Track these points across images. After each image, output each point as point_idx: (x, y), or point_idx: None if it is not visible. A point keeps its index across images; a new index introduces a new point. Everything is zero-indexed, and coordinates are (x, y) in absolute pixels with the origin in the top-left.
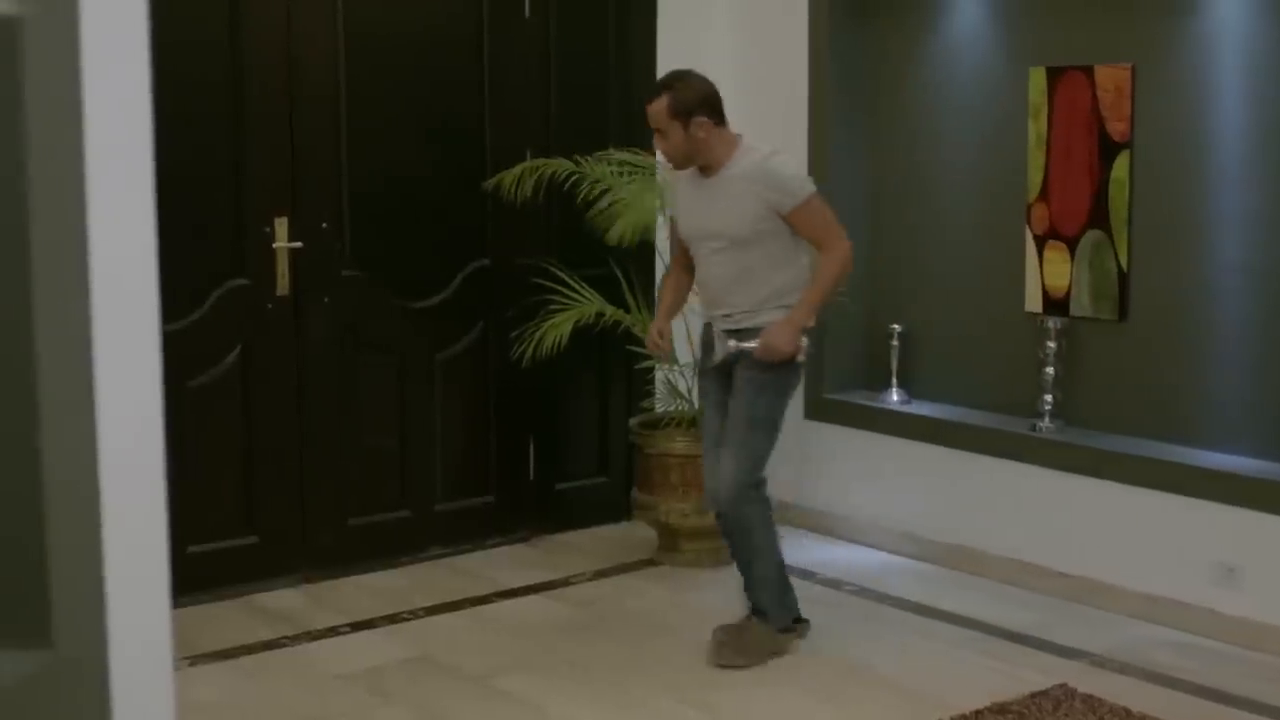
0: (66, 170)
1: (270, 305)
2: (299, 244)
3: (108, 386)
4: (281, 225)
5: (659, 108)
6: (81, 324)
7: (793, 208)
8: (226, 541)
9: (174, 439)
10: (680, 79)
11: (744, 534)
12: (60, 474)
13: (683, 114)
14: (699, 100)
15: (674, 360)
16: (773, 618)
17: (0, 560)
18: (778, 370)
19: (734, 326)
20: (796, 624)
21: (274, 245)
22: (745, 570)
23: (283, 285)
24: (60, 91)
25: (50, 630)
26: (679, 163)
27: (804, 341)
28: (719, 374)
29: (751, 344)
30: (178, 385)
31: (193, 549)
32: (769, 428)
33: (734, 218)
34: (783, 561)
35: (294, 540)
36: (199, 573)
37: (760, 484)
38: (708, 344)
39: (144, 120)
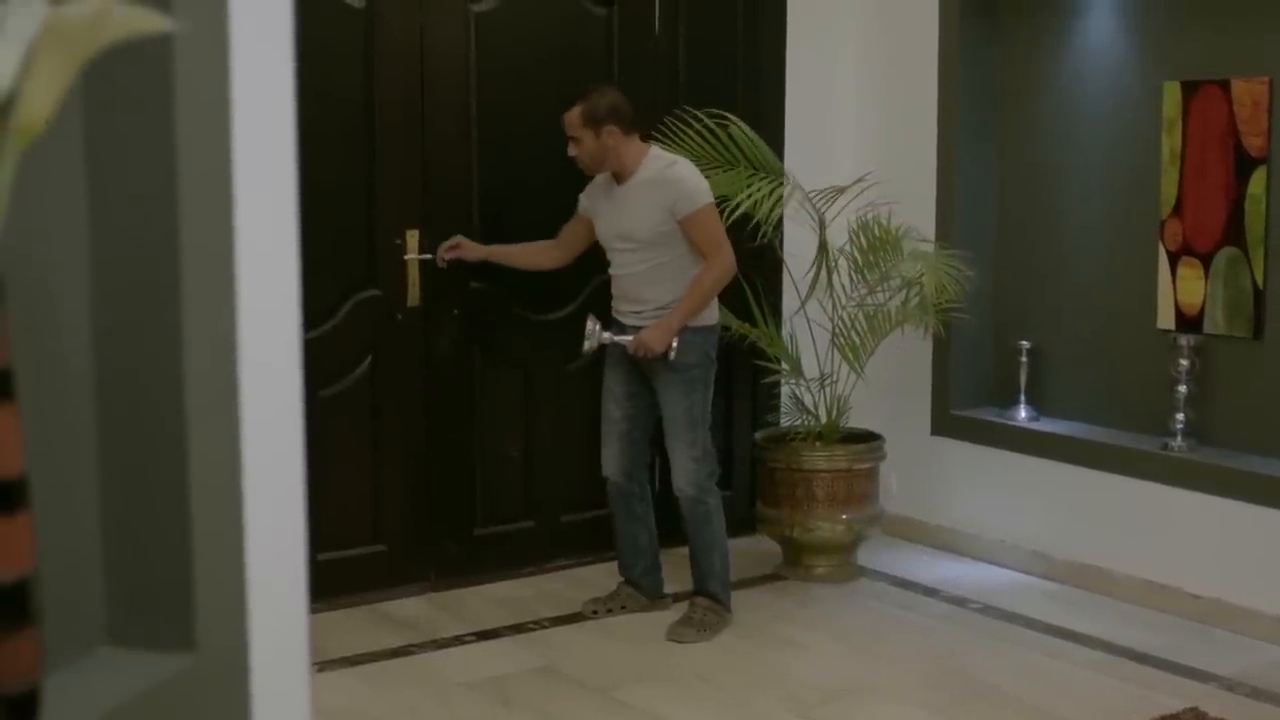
0: (215, 179)
1: (400, 316)
2: (429, 256)
3: (251, 393)
4: (412, 237)
5: (573, 116)
6: (227, 332)
7: (686, 214)
8: (355, 550)
9: (307, 447)
10: (595, 91)
11: (704, 522)
12: (205, 479)
13: (593, 123)
14: (608, 111)
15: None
16: (724, 600)
17: (149, 564)
18: (694, 369)
19: (643, 323)
20: (663, 597)
21: (405, 257)
22: (699, 556)
23: (413, 296)
24: (210, 104)
25: (194, 634)
26: (591, 168)
27: (674, 343)
28: (624, 369)
29: (626, 338)
30: (311, 394)
31: (322, 557)
32: (705, 420)
33: (639, 220)
34: (728, 549)
35: (420, 549)
36: (328, 580)
37: (715, 474)
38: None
39: (288, 133)
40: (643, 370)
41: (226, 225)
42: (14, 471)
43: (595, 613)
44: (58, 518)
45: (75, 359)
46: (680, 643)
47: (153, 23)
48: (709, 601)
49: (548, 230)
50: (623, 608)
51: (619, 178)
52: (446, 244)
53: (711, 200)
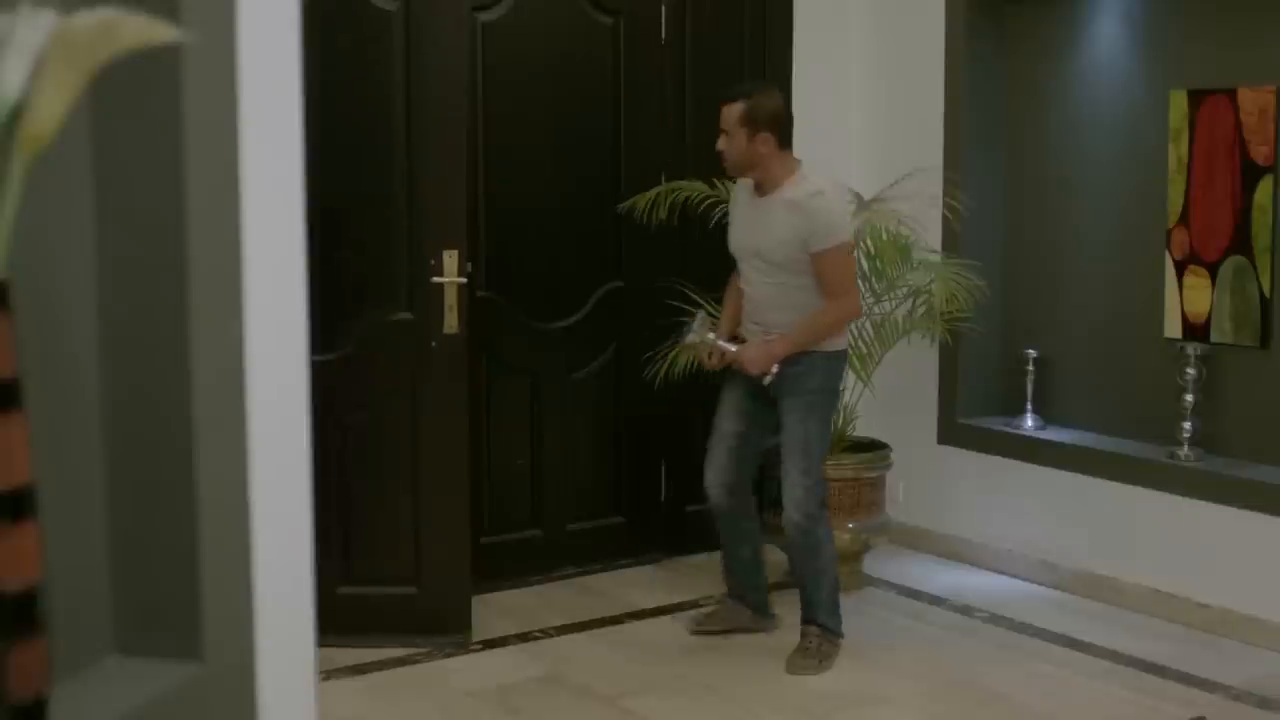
0: (223, 188)
1: (435, 343)
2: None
3: (259, 406)
4: (450, 258)
5: (733, 111)
6: (235, 342)
7: (819, 249)
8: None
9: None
10: (760, 92)
11: (813, 552)
12: (213, 489)
13: (751, 125)
14: (769, 117)
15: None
16: (835, 628)
17: (156, 574)
18: (816, 394)
19: None
20: (770, 616)
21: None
22: (806, 584)
23: (450, 323)
24: (218, 114)
25: (202, 643)
26: (734, 168)
27: (774, 369)
28: (744, 386)
29: (729, 346)
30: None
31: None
32: (823, 448)
33: (772, 241)
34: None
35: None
36: (354, 613)
37: (825, 503)
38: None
39: (295, 141)
40: (766, 391)
41: (234, 234)
42: (21, 481)
43: (704, 631)
44: (66, 528)
45: (82, 369)
46: (801, 675)
47: (161, 33)
48: (820, 630)
49: (552, 239)
50: (731, 626)
51: (760, 189)
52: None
53: (849, 240)
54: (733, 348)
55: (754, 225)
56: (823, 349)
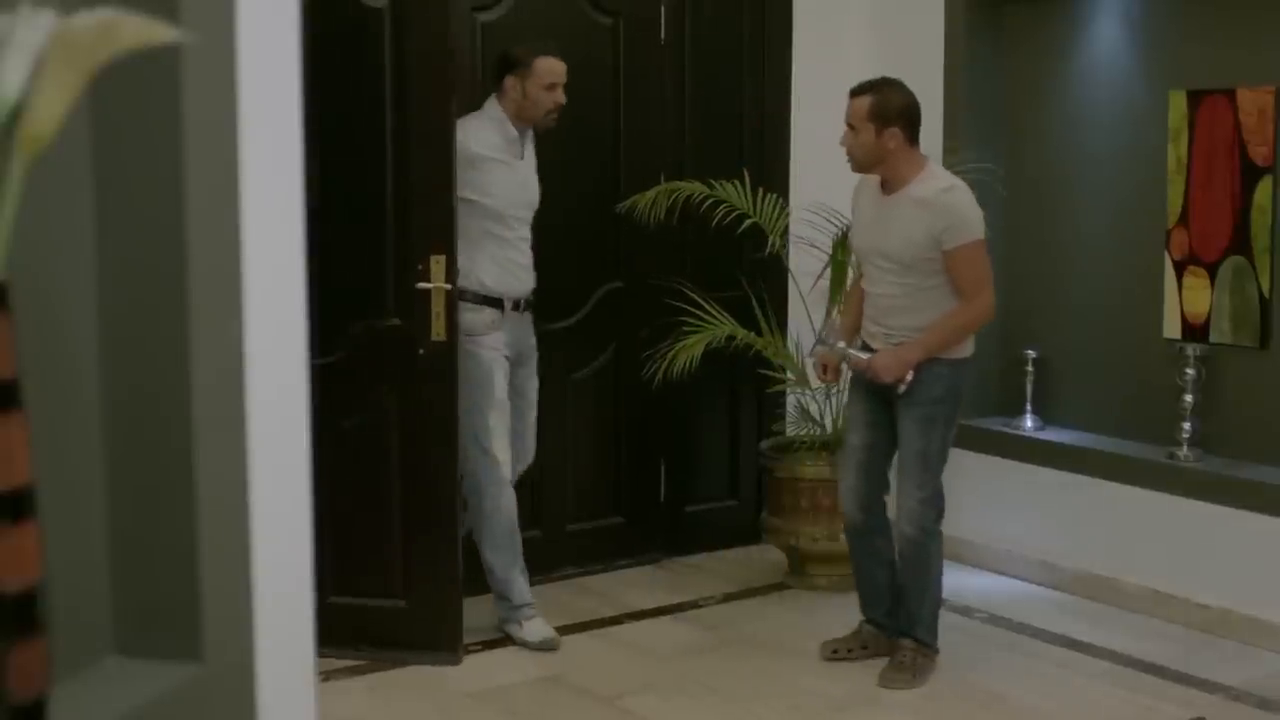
0: (222, 189)
1: (422, 350)
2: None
3: (259, 406)
4: (437, 264)
5: (861, 105)
6: (235, 341)
7: (953, 246)
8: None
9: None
10: (891, 86)
11: (922, 567)
12: (212, 490)
13: (879, 119)
14: (899, 112)
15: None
16: (931, 644)
17: (156, 575)
18: (938, 404)
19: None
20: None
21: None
22: (909, 597)
23: (437, 329)
24: (217, 115)
25: (201, 644)
26: (859, 164)
27: (909, 376)
28: (870, 392)
29: (861, 355)
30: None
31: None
32: (942, 460)
33: (901, 241)
34: (941, 592)
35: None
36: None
37: (940, 517)
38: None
39: (295, 142)
40: (886, 397)
41: (234, 234)
42: (21, 481)
43: (835, 653)
44: (66, 528)
45: (82, 369)
46: (893, 689)
47: (161, 33)
48: (915, 644)
49: (552, 239)
50: (864, 648)
51: (887, 186)
52: (825, 365)
53: (982, 236)
54: (864, 356)
55: (880, 225)
56: (948, 355)
